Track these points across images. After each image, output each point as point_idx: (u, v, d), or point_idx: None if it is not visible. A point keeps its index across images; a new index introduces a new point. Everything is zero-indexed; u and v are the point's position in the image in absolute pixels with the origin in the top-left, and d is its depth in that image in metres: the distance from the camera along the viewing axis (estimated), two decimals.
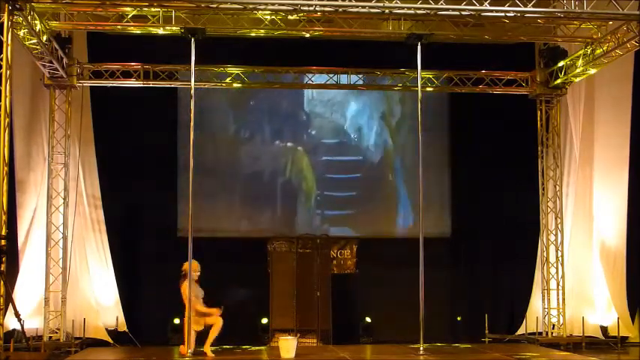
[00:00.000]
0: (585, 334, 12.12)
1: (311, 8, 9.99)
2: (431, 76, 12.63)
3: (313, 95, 14.04)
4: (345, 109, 14.07)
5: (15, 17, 9.28)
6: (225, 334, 11.05)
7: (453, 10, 9.92)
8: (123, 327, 12.41)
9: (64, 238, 11.87)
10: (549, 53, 12.44)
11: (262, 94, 13.76)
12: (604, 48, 11.01)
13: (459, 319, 13.63)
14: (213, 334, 9.90)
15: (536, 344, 12.15)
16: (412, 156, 13.60)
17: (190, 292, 9.65)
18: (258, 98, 13.90)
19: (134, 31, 10.84)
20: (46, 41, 10.49)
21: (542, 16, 10.65)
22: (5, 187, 9.19)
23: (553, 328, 12.54)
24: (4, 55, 9.09)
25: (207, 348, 9.96)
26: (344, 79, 12.70)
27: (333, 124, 14.08)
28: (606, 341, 12.33)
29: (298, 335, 11.60)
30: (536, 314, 12.79)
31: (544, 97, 12.81)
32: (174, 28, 10.39)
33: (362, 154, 14.08)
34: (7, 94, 9.10)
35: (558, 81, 12.30)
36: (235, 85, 12.57)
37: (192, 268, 9.76)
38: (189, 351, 9.79)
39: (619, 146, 12.76)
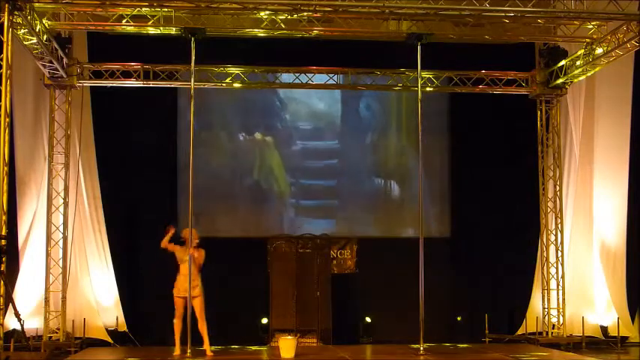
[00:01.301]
0: (585, 334, 12.13)
1: (311, 8, 10.02)
2: (431, 76, 12.62)
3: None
4: (343, 110, 14.10)
5: (15, 17, 9.27)
6: (225, 334, 11.12)
7: (453, 9, 9.94)
8: (123, 327, 12.40)
9: (64, 238, 11.86)
10: (549, 53, 12.43)
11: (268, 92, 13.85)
12: (604, 48, 11.01)
13: (458, 319, 13.63)
14: (203, 330, 9.98)
15: (536, 344, 12.16)
16: (412, 156, 13.61)
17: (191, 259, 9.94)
18: (258, 96, 13.93)
19: (134, 31, 10.84)
20: (46, 41, 10.50)
21: (542, 16, 10.67)
22: (5, 187, 9.20)
23: (553, 328, 12.54)
24: (4, 55, 9.09)
25: (207, 347, 10.05)
26: (344, 79, 12.69)
27: (332, 125, 14.11)
28: (606, 341, 12.33)
29: (298, 335, 11.61)
30: (536, 314, 12.79)
31: (544, 97, 12.81)
32: (174, 28, 10.40)
33: (362, 153, 14.08)
34: (7, 94, 9.10)
35: (558, 81, 12.29)
36: (235, 85, 12.56)
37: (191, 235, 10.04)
38: (189, 351, 9.83)
39: (619, 146, 12.76)
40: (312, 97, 14.02)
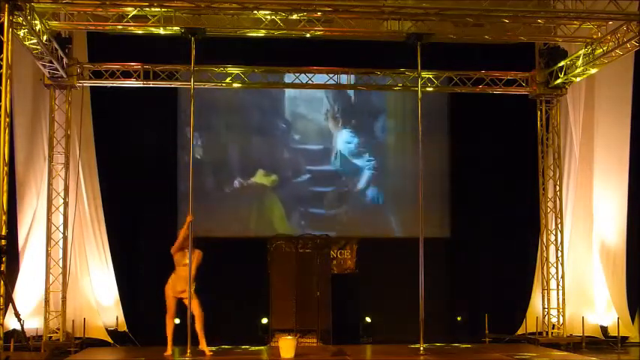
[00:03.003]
0: (585, 334, 12.13)
1: (311, 8, 10.03)
2: (431, 76, 12.62)
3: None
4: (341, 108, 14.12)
5: (15, 17, 9.27)
6: (225, 334, 11.12)
7: (453, 9, 9.95)
8: (123, 327, 12.40)
9: (64, 238, 11.86)
10: (549, 53, 12.44)
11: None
12: (604, 48, 11.00)
13: (459, 319, 13.63)
14: (199, 325, 9.97)
15: (536, 344, 12.17)
16: (412, 155, 13.59)
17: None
18: (255, 96, 13.93)
19: (134, 31, 10.84)
20: (46, 41, 10.50)
21: (542, 16, 10.68)
22: (5, 187, 9.20)
23: (553, 328, 12.54)
24: (4, 55, 9.09)
25: (204, 346, 10.04)
26: (344, 79, 12.69)
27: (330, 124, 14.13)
28: (606, 341, 12.33)
29: (298, 335, 11.61)
30: (536, 314, 12.79)
31: (544, 97, 12.80)
32: (174, 28, 10.40)
33: (361, 153, 14.10)
34: (7, 94, 9.10)
35: (558, 81, 12.29)
36: (235, 85, 12.56)
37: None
38: (188, 351, 9.84)
39: (619, 146, 12.76)
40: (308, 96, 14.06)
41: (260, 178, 13.81)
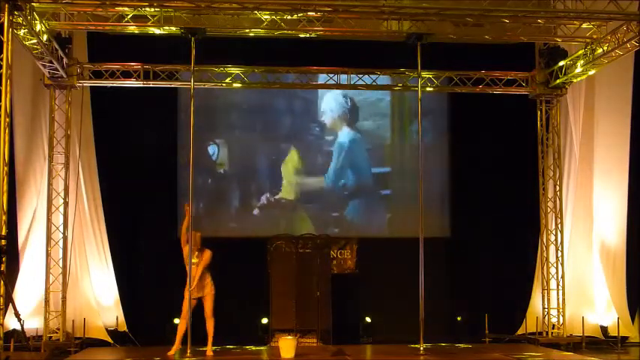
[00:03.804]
0: (585, 334, 12.13)
1: (311, 8, 10.03)
2: (431, 76, 12.62)
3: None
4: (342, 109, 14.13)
5: (15, 17, 9.28)
6: (225, 334, 11.11)
7: (453, 9, 9.96)
8: (123, 327, 12.41)
9: (64, 238, 11.86)
10: (549, 53, 12.44)
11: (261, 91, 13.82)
12: (604, 48, 11.01)
13: (459, 319, 13.62)
14: (210, 329, 10.05)
15: (536, 344, 12.17)
16: (412, 155, 13.59)
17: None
18: (257, 96, 13.92)
19: (134, 31, 10.85)
20: (46, 41, 10.50)
21: (542, 16, 10.69)
22: (5, 187, 9.20)
23: (553, 328, 12.54)
24: (4, 55, 9.10)
25: (209, 348, 10.06)
26: (344, 79, 12.69)
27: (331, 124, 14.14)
28: (606, 341, 12.33)
29: (298, 335, 11.61)
30: (536, 314, 12.79)
31: (544, 97, 12.80)
32: (174, 28, 10.40)
33: (362, 153, 14.10)
34: (7, 94, 9.10)
35: (558, 81, 12.29)
36: (235, 85, 12.57)
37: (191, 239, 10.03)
38: (189, 351, 9.84)
39: (619, 146, 12.77)
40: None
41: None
